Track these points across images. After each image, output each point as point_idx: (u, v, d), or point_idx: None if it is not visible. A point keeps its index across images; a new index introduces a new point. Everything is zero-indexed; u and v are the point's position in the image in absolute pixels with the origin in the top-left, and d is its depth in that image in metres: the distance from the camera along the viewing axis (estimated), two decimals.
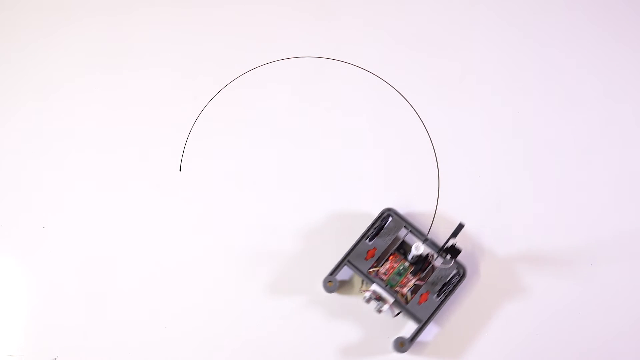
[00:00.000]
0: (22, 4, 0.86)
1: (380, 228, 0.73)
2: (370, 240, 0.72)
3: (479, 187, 0.77)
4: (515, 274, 0.74)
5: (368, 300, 0.69)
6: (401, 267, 0.71)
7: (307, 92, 0.81)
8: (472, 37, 0.83)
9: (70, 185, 0.79)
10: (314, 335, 0.72)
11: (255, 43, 0.83)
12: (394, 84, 0.81)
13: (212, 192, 0.78)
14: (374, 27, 0.84)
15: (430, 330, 0.71)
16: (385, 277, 0.71)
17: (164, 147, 0.80)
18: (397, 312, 0.70)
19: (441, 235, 0.74)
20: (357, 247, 0.72)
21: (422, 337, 0.70)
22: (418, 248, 0.69)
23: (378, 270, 0.71)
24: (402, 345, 0.69)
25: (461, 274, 0.71)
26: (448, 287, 0.70)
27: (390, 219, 0.73)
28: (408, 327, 0.71)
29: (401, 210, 0.75)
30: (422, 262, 0.70)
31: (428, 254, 0.70)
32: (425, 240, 0.72)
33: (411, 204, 0.76)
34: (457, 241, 0.68)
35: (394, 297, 0.69)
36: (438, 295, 0.70)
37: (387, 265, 0.71)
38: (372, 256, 0.72)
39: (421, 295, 0.70)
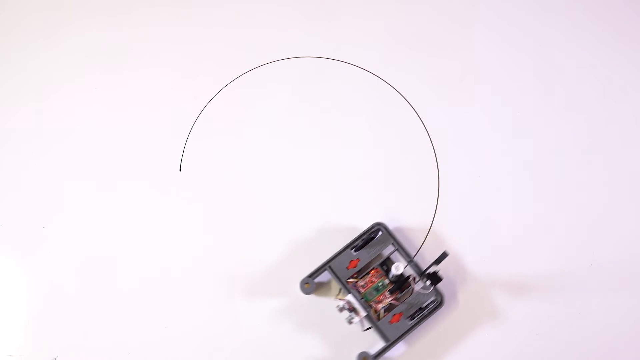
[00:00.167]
0: (22, 4, 0.86)
1: (368, 240, 0.72)
2: (355, 250, 0.72)
3: (479, 187, 0.77)
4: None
5: (341, 310, 0.69)
6: (380, 284, 0.70)
7: (307, 92, 0.81)
8: (472, 37, 0.83)
9: (70, 185, 0.79)
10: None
11: (255, 43, 0.83)
12: (394, 84, 0.81)
13: (212, 192, 0.78)
14: (374, 27, 0.84)
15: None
16: (362, 290, 0.70)
17: (164, 147, 0.80)
18: (367, 326, 0.69)
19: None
20: (340, 255, 0.72)
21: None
22: (398, 268, 0.68)
23: (357, 281, 0.71)
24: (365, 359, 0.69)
25: (438, 302, 0.70)
26: (422, 313, 0.70)
27: (379, 233, 0.73)
28: (376, 343, 0.71)
29: (401, 210, 0.75)
30: (401, 283, 0.70)
31: (409, 275, 0.70)
32: (410, 261, 0.71)
33: (411, 204, 0.76)
34: (440, 268, 0.67)
35: (367, 312, 0.69)
36: (411, 319, 0.69)
37: (367, 278, 0.71)
38: (354, 267, 0.71)
39: (394, 315, 0.69)
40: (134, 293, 0.74)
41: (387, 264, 0.72)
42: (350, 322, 0.68)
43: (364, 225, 0.74)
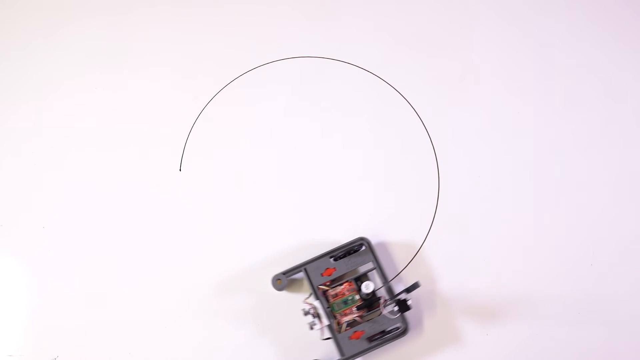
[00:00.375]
0: (22, 3, 0.86)
1: (350, 252, 0.72)
2: (335, 260, 0.72)
3: (479, 187, 0.77)
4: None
5: (306, 313, 0.69)
6: (350, 297, 0.70)
7: (307, 92, 0.81)
8: (472, 37, 0.83)
9: (70, 185, 0.79)
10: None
11: (255, 43, 0.83)
12: (394, 84, 0.81)
13: (212, 192, 0.78)
14: (374, 27, 0.84)
15: None
16: (331, 300, 0.70)
17: (164, 147, 0.80)
18: (327, 336, 0.69)
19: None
20: (318, 260, 0.71)
21: None
22: (368, 287, 0.68)
23: (328, 290, 0.70)
24: None
25: (402, 329, 0.70)
26: (383, 336, 0.69)
27: (362, 248, 0.72)
28: (331, 354, 0.71)
29: (401, 210, 0.75)
30: (371, 302, 0.70)
31: (381, 297, 0.70)
32: (386, 283, 0.71)
33: (411, 204, 0.76)
34: (411, 298, 0.67)
35: (330, 322, 0.69)
36: (370, 340, 0.69)
37: (339, 289, 0.70)
38: (329, 275, 0.71)
39: (355, 331, 0.69)
40: (134, 293, 0.74)
41: (362, 279, 0.71)
42: (311, 328, 0.68)
43: (363, 225, 0.74)
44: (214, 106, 0.81)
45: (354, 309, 0.70)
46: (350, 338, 0.69)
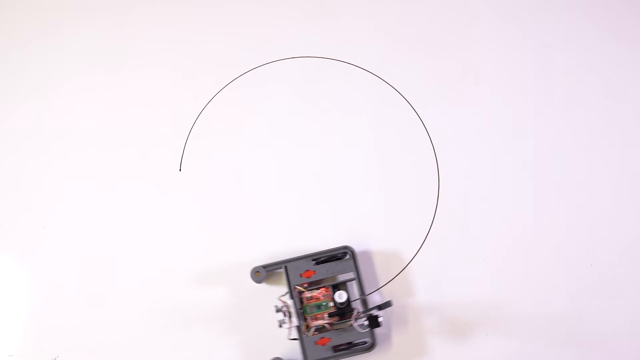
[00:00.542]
0: (22, 3, 0.86)
1: (332, 258, 0.72)
2: (316, 263, 0.72)
3: (479, 187, 0.77)
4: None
5: (277, 310, 0.69)
6: (324, 303, 0.70)
7: (307, 92, 0.81)
8: (472, 37, 0.83)
9: (70, 185, 0.79)
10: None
11: (255, 43, 0.83)
12: (394, 84, 0.81)
13: (212, 192, 0.78)
14: (374, 27, 0.84)
15: None
16: (305, 302, 0.70)
17: (164, 147, 0.80)
18: (293, 337, 0.69)
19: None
20: (300, 260, 0.71)
21: None
22: (341, 297, 0.68)
23: (304, 292, 0.71)
24: None
25: (369, 344, 0.69)
26: (349, 348, 0.69)
27: (346, 256, 0.72)
28: (294, 356, 0.71)
29: (401, 210, 0.75)
30: (344, 312, 0.69)
31: (355, 308, 0.69)
32: (362, 296, 0.71)
33: (411, 204, 0.76)
34: (382, 315, 0.67)
35: (299, 323, 0.69)
36: (335, 349, 0.69)
37: (315, 293, 0.70)
38: (308, 277, 0.71)
39: (322, 338, 0.69)
40: (134, 293, 0.74)
41: (339, 287, 0.71)
42: (280, 326, 0.68)
43: (363, 225, 0.74)
44: (214, 106, 0.81)
45: (326, 315, 0.70)
46: (316, 343, 0.69)
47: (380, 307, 0.66)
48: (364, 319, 0.67)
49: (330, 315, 0.69)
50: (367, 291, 0.72)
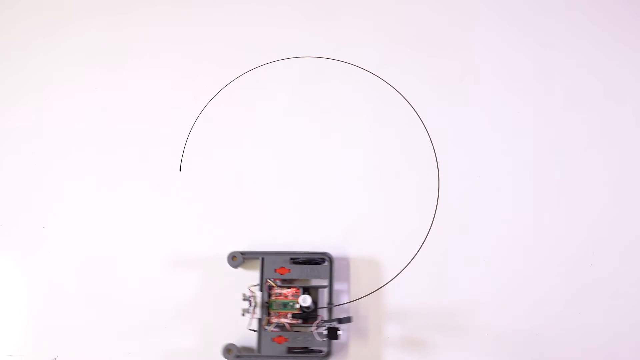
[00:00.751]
0: (22, 3, 0.86)
1: (310, 261, 0.72)
2: (294, 262, 0.72)
3: (479, 187, 0.77)
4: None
5: (244, 299, 0.69)
6: (291, 303, 0.70)
7: (307, 92, 0.81)
8: (472, 37, 0.83)
9: (70, 185, 0.79)
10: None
11: (255, 43, 0.83)
12: (394, 84, 0.81)
13: (212, 192, 0.78)
14: (374, 27, 0.84)
15: None
16: (273, 297, 0.70)
17: (164, 147, 0.80)
18: (253, 328, 0.70)
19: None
20: (278, 256, 0.71)
21: None
22: (305, 300, 0.68)
23: (274, 287, 0.71)
24: (229, 352, 0.70)
25: (324, 354, 0.69)
26: (303, 353, 0.69)
27: (324, 262, 0.72)
28: (249, 345, 0.71)
29: (401, 210, 0.75)
30: (307, 315, 0.70)
31: (320, 316, 0.70)
32: (329, 305, 0.70)
33: (411, 204, 0.76)
34: (343, 329, 0.68)
35: (262, 317, 0.69)
36: (290, 350, 0.69)
37: (285, 291, 0.71)
38: (282, 274, 0.71)
39: (280, 336, 0.69)
40: (134, 293, 0.74)
41: (310, 291, 0.71)
42: (242, 314, 0.69)
43: (363, 226, 0.74)
44: (214, 106, 0.81)
45: (290, 315, 0.70)
46: (272, 339, 0.69)
47: (340, 321, 0.66)
48: (325, 328, 0.67)
49: (294, 316, 0.70)
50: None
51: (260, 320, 0.70)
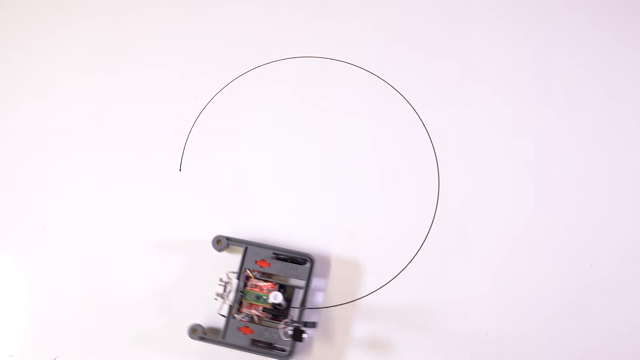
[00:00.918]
0: (22, 3, 0.86)
1: (292, 259, 0.72)
2: (276, 258, 0.72)
3: (479, 187, 0.77)
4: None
5: (220, 283, 0.70)
6: (264, 297, 0.70)
7: (307, 92, 0.81)
8: (472, 37, 0.83)
9: (70, 185, 0.79)
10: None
11: (255, 43, 0.83)
12: (394, 84, 0.81)
13: (212, 192, 0.78)
14: (374, 27, 0.84)
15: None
16: (248, 288, 0.71)
17: (164, 147, 0.80)
18: (222, 313, 0.70)
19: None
20: (262, 248, 0.72)
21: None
22: (276, 297, 0.68)
23: (251, 278, 0.71)
24: (195, 332, 0.70)
25: (286, 353, 0.69)
26: (266, 348, 0.70)
27: (306, 264, 0.72)
28: (215, 328, 0.72)
29: (401, 210, 0.75)
30: (278, 312, 0.70)
31: (290, 315, 0.70)
32: (302, 306, 0.71)
33: (411, 204, 0.76)
34: (308, 334, 0.68)
35: (232, 304, 0.70)
36: (253, 342, 0.69)
37: (261, 284, 0.71)
38: (262, 267, 0.71)
39: (247, 327, 0.70)
40: (134, 293, 0.74)
41: (286, 289, 0.71)
42: (215, 298, 0.70)
43: (363, 225, 0.74)
44: (214, 106, 0.81)
45: (261, 308, 0.70)
46: (239, 329, 0.70)
47: (306, 324, 0.67)
48: (291, 328, 0.67)
49: (265, 310, 0.70)
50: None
51: (231, 307, 0.70)
